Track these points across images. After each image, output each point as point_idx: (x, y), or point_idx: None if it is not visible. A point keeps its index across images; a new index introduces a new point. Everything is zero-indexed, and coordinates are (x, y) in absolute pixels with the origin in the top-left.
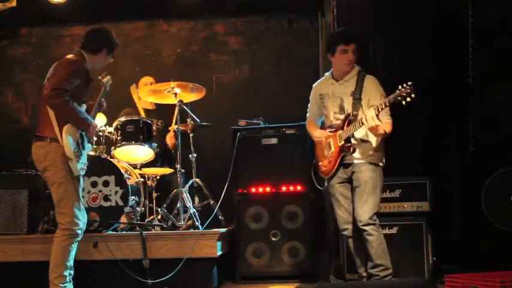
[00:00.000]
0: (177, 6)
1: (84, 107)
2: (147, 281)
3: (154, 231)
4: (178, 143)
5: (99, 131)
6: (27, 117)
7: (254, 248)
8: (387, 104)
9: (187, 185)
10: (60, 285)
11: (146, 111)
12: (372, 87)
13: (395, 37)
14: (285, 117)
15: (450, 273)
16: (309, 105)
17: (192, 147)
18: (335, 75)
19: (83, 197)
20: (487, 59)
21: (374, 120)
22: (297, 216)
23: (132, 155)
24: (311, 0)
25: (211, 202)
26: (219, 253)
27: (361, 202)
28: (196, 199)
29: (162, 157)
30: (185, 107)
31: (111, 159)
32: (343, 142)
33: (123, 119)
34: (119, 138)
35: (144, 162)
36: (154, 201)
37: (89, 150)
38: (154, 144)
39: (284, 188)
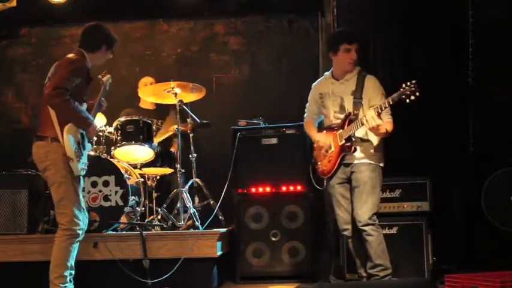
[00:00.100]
0: (177, 6)
1: (84, 106)
2: (147, 281)
3: (154, 231)
4: (179, 143)
5: (99, 131)
6: (27, 117)
7: (254, 248)
8: (390, 103)
9: (187, 185)
10: (61, 285)
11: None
12: (372, 87)
13: (395, 37)
14: (285, 117)
15: (450, 273)
16: (307, 104)
17: (192, 147)
18: (335, 75)
19: (83, 197)
20: (487, 59)
21: (374, 120)
22: (297, 216)
23: (132, 155)
24: (311, 0)
25: (211, 202)
26: (219, 253)
27: (360, 202)
28: (196, 199)
29: (162, 157)
30: (185, 107)
31: (111, 159)
32: (343, 141)
33: (123, 119)
34: (119, 138)
35: (144, 162)
36: (154, 201)
37: (89, 150)
38: (155, 144)
39: (284, 188)
